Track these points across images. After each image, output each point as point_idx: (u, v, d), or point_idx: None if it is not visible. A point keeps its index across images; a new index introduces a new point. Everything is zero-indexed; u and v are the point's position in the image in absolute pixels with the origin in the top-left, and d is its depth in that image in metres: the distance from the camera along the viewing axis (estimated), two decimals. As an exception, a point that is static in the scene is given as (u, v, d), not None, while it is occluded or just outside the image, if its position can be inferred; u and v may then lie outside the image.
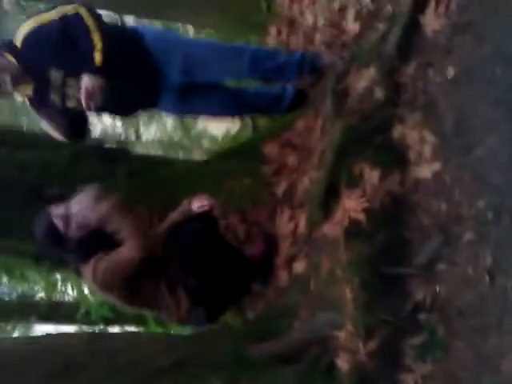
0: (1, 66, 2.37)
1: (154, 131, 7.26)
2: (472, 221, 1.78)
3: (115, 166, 3.05)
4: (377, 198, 2.03)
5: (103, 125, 6.85)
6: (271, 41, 3.29)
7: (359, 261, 1.95)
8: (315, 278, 2.20)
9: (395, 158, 2.05)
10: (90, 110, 2.50)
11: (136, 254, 2.28)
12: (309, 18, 2.95)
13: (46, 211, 2.38)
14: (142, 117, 6.58)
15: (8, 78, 2.37)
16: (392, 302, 1.86)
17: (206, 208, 2.52)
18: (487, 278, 1.66)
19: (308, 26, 2.95)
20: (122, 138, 6.95)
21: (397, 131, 2.08)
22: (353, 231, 2.04)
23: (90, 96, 2.35)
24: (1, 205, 2.85)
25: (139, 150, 6.36)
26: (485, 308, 1.66)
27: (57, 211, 2.35)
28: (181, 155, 6.66)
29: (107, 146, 4.18)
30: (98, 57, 2.34)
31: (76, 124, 2.61)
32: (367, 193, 2.06)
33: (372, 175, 2.07)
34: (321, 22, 2.82)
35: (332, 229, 2.17)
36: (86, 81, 2.34)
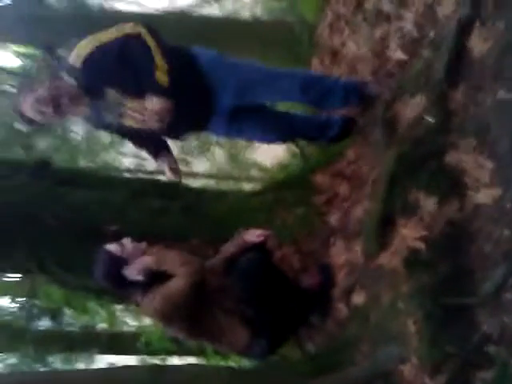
0: (59, 89, 2.37)
1: (204, 162, 7.37)
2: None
3: (170, 201, 3.12)
4: (435, 226, 1.98)
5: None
6: (315, 73, 3.30)
7: (421, 292, 1.91)
8: (375, 309, 2.17)
9: (451, 184, 2.00)
10: (154, 131, 2.49)
11: (184, 282, 2.31)
12: (351, 48, 2.92)
13: (102, 249, 2.45)
14: (193, 148, 6.70)
15: (66, 101, 2.38)
16: (458, 334, 1.79)
17: (260, 239, 2.54)
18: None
19: (351, 56, 2.93)
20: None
21: (451, 157, 2.03)
22: (412, 261, 2.00)
23: (159, 118, 2.34)
24: (62, 241, 2.97)
25: (190, 181, 6.48)
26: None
27: (111, 247, 2.42)
28: (230, 185, 6.74)
29: (162, 180, 4.25)
30: (162, 78, 2.31)
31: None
32: (424, 221, 2.02)
33: (428, 202, 2.03)
34: (363, 51, 2.79)
35: (389, 259, 2.14)
36: (155, 103, 2.32)
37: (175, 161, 2.73)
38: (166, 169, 2.68)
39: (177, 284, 2.32)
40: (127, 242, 2.43)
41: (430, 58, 2.20)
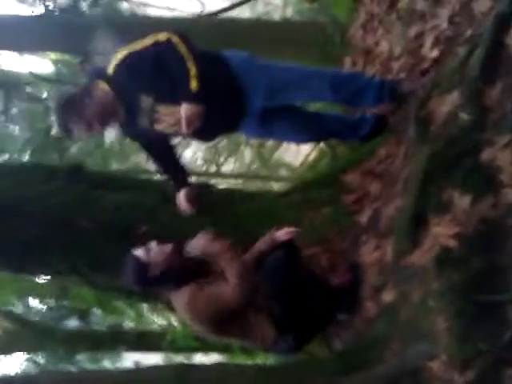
0: (99, 100, 2.44)
1: (232, 162, 7.39)
2: None
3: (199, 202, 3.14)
4: (469, 224, 1.96)
5: (185, 158, 7.05)
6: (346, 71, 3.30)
7: (452, 289, 1.88)
8: (405, 308, 2.15)
9: (486, 182, 1.97)
10: (185, 135, 2.57)
11: (241, 296, 2.35)
12: (385, 47, 2.91)
13: (131, 253, 2.47)
14: (221, 148, 6.73)
15: (106, 112, 2.45)
16: (489, 331, 1.77)
17: (288, 237, 2.54)
18: None
19: (384, 56, 2.91)
20: (203, 170, 7.14)
21: (486, 154, 2.00)
22: (444, 258, 1.97)
23: (189, 123, 2.39)
24: (94, 244, 3.02)
25: (219, 181, 6.52)
26: None
27: (137, 252, 2.45)
28: (259, 185, 6.74)
29: (192, 182, 4.27)
30: (193, 83, 2.36)
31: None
32: (458, 218, 2.00)
33: (462, 200, 2.01)
34: (397, 50, 2.78)
35: (421, 257, 2.12)
36: (186, 109, 2.36)
37: (195, 195, 2.80)
38: (184, 202, 2.76)
39: (230, 296, 2.35)
40: (153, 245, 2.45)
41: (466, 55, 2.18)
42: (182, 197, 2.77)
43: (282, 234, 2.56)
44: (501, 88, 2.03)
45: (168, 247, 2.46)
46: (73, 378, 3.43)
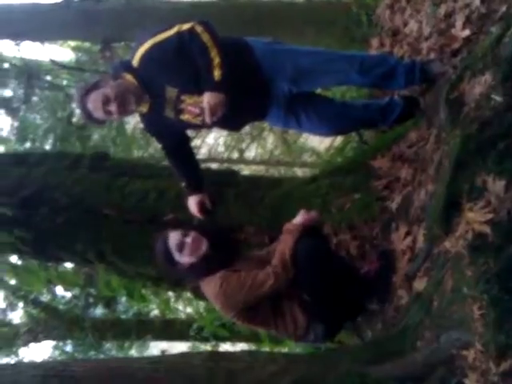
0: (124, 87, 2.45)
1: (255, 149, 7.35)
2: None
3: (225, 189, 3.12)
4: (503, 209, 1.91)
5: (207, 145, 7.03)
6: (374, 53, 3.23)
7: (487, 277, 1.84)
8: (438, 295, 2.11)
9: (520, 165, 1.93)
10: (208, 125, 2.57)
11: (273, 284, 2.38)
12: (413, 28, 2.84)
13: (162, 236, 2.51)
14: (245, 135, 6.70)
15: (133, 98, 2.46)
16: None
17: (311, 222, 2.52)
18: None
19: (413, 36, 2.85)
20: (226, 156, 7.13)
21: (520, 137, 1.96)
22: (478, 245, 1.93)
23: (212, 112, 2.38)
24: (121, 231, 3.04)
25: (242, 167, 6.48)
26: None
27: (172, 238, 2.48)
28: (283, 171, 6.69)
29: (215, 168, 4.27)
30: (216, 72, 2.36)
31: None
32: (492, 204, 1.94)
33: (496, 185, 1.95)
34: (427, 30, 2.70)
35: (454, 243, 2.08)
36: (209, 97, 2.36)
37: (205, 203, 2.82)
38: (194, 208, 2.78)
39: (267, 283, 2.39)
40: (189, 240, 2.47)
41: (499, 34, 2.10)
42: (192, 202, 2.81)
43: (302, 219, 2.53)
44: (536, 67, 1.96)
45: (204, 245, 2.48)
46: (99, 366, 3.47)
